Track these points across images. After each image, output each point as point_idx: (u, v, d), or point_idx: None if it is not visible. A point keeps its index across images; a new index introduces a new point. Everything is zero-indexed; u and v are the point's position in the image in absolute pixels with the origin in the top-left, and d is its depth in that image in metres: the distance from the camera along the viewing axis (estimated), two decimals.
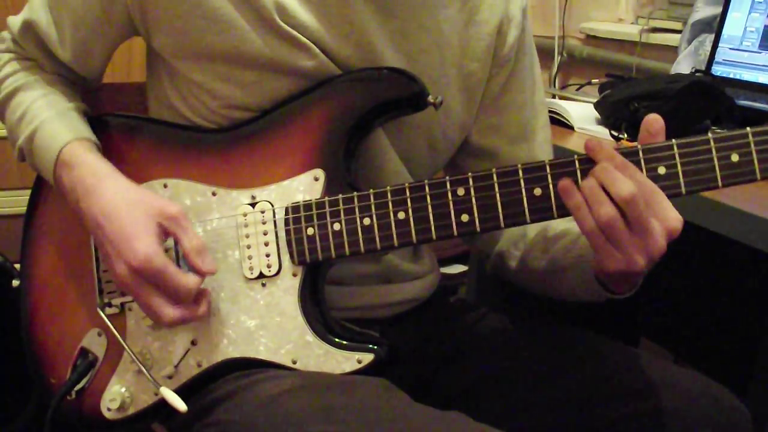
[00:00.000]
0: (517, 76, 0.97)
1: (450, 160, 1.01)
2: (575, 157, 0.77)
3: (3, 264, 1.29)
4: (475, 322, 1.01)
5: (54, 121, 0.88)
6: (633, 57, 1.99)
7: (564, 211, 0.77)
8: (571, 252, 0.88)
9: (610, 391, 0.87)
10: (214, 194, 0.87)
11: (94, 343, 0.90)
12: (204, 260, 0.81)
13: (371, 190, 0.82)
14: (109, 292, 0.89)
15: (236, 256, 0.85)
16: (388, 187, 0.81)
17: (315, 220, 0.83)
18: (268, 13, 0.83)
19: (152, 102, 0.96)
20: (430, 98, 0.84)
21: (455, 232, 0.80)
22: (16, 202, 1.74)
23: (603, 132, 1.36)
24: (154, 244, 0.79)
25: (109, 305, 0.89)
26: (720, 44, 1.53)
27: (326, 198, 0.83)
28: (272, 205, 0.85)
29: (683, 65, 1.69)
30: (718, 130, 1.18)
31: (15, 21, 0.94)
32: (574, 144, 1.34)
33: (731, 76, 1.50)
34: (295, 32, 0.84)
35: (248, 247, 0.85)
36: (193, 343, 0.86)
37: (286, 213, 0.84)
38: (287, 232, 0.84)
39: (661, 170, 0.74)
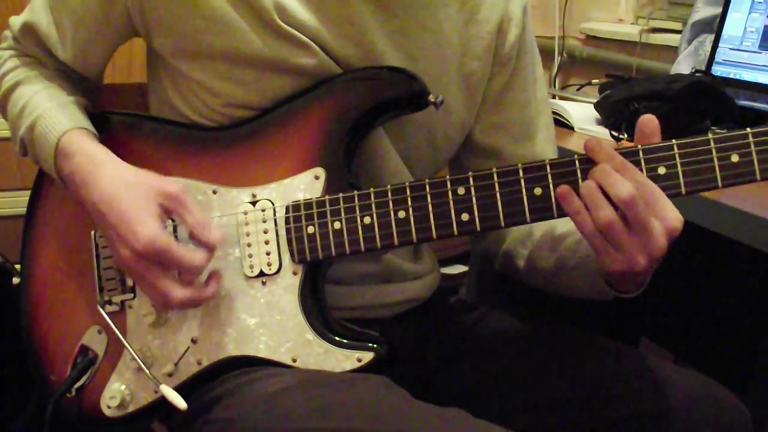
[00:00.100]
0: (519, 74, 0.98)
1: (454, 158, 1.01)
2: (575, 157, 0.77)
3: (3, 264, 1.29)
4: (475, 322, 1.01)
5: (53, 111, 0.88)
6: (633, 57, 1.99)
7: (564, 212, 0.77)
8: (578, 252, 0.88)
9: (610, 391, 0.87)
10: (214, 192, 0.87)
11: (94, 341, 0.90)
12: (209, 233, 0.80)
13: (372, 189, 0.82)
14: (109, 290, 0.89)
15: (237, 255, 0.85)
16: (389, 186, 0.81)
17: (315, 218, 0.83)
18: (268, 13, 0.83)
19: (153, 102, 0.96)
20: (431, 97, 0.84)
21: (455, 231, 0.80)
22: (16, 202, 1.74)
23: (603, 132, 1.36)
24: (155, 225, 0.79)
25: (110, 303, 0.89)
26: (720, 44, 1.53)
27: (327, 197, 0.83)
28: (273, 204, 0.85)
29: (683, 65, 1.69)
30: (718, 130, 1.18)
31: (16, 21, 0.95)
32: (575, 144, 1.35)
33: (731, 76, 1.50)
34: (294, 31, 0.84)
35: (249, 245, 0.85)
36: (194, 341, 0.86)
37: (287, 211, 0.84)
38: (288, 230, 0.84)
39: (661, 170, 0.75)
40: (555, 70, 2.23)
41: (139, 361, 0.86)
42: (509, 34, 0.95)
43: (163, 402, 0.85)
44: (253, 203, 0.85)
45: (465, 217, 0.80)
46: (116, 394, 0.87)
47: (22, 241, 0.96)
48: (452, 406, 0.79)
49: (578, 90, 1.88)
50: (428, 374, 0.97)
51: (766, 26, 1.46)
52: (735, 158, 0.73)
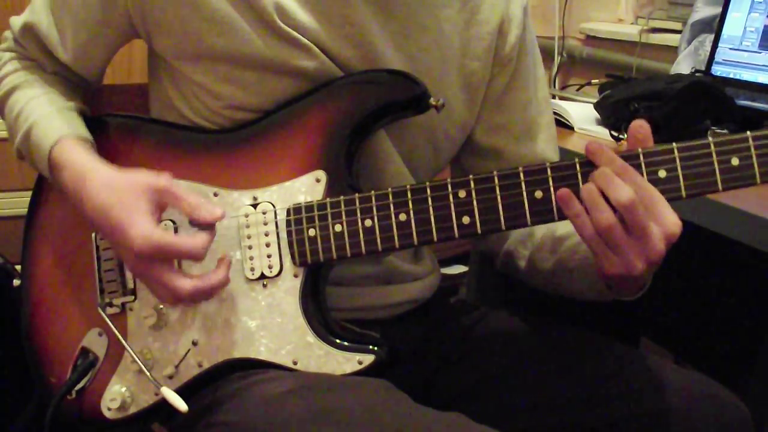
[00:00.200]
0: (520, 74, 0.98)
1: (455, 160, 1.01)
2: (576, 160, 0.77)
3: (3, 265, 1.29)
4: (475, 322, 1.01)
5: (46, 120, 0.88)
6: (633, 57, 1.99)
7: (564, 215, 0.77)
8: (577, 253, 0.88)
9: (610, 391, 0.87)
10: (215, 195, 0.87)
11: (95, 343, 0.90)
12: (207, 211, 0.79)
13: (373, 192, 0.82)
14: (110, 292, 0.89)
15: (237, 257, 0.85)
16: (390, 189, 0.82)
17: (316, 221, 0.83)
18: (269, 15, 0.83)
19: (153, 103, 0.96)
20: (432, 100, 0.84)
21: (456, 234, 0.80)
22: (17, 203, 1.74)
23: (603, 132, 1.36)
24: (147, 223, 0.78)
25: (110, 305, 0.89)
26: (720, 44, 1.53)
27: (328, 199, 0.83)
28: (274, 206, 0.85)
29: (683, 65, 1.69)
30: (718, 130, 1.18)
31: (16, 22, 0.95)
32: (575, 144, 1.35)
33: (731, 76, 1.50)
34: (295, 33, 0.84)
35: (250, 247, 0.85)
36: (194, 343, 0.86)
37: (288, 214, 0.84)
38: (289, 233, 0.84)
39: (662, 174, 0.75)
40: (555, 70, 2.23)
41: (140, 363, 0.86)
42: (510, 35, 0.95)
43: (163, 404, 0.85)
44: (254, 206, 0.85)
45: (466, 220, 0.80)
46: (117, 396, 0.87)
47: (23, 242, 0.96)
48: (452, 406, 0.79)
49: (578, 90, 1.88)
50: (428, 374, 0.97)
51: (766, 26, 1.46)
52: (735, 162, 0.73)
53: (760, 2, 1.48)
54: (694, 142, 0.74)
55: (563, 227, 0.92)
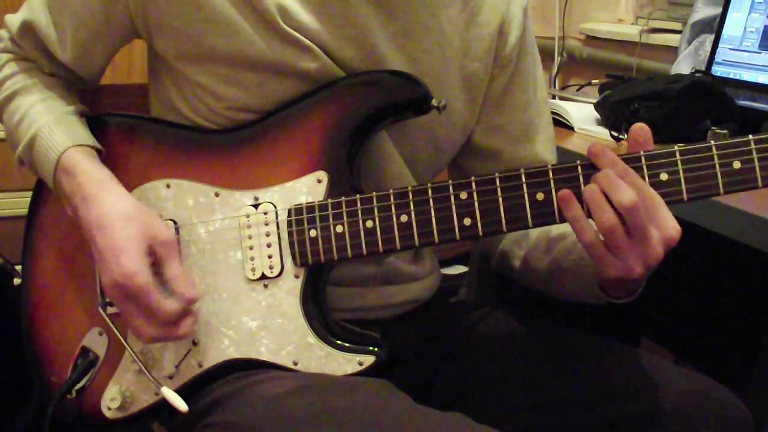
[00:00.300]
0: (520, 75, 0.98)
1: (453, 161, 1.01)
2: (578, 162, 0.77)
3: (3, 265, 1.29)
4: (476, 322, 1.01)
5: (52, 127, 0.88)
6: (633, 57, 1.99)
7: (564, 216, 0.77)
8: (571, 254, 0.88)
9: (610, 391, 0.87)
10: (217, 195, 0.87)
11: (95, 343, 0.90)
12: (190, 289, 0.81)
13: (374, 193, 0.82)
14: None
15: (238, 257, 0.85)
16: (391, 191, 0.82)
17: (317, 222, 0.83)
18: (271, 16, 0.83)
19: (154, 103, 0.96)
20: (434, 101, 0.84)
21: (458, 236, 0.80)
22: (17, 203, 1.74)
23: (603, 132, 1.36)
24: (140, 261, 0.79)
25: (111, 304, 0.89)
26: (720, 44, 1.53)
27: (329, 200, 0.83)
28: (275, 207, 0.85)
29: (683, 66, 1.69)
30: (719, 131, 1.18)
31: (13, 20, 0.94)
32: (575, 144, 1.35)
33: (731, 76, 1.50)
34: (297, 34, 0.84)
35: (251, 248, 0.85)
36: (195, 343, 0.86)
37: (289, 215, 0.84)
38: (290, 233, 0.84)
39: (664, 176, 0.75)
40: (555, 70, 2.23)
41: (140, 363, 0.86)
42: (510, 36, 0.95)
43: (163, 404, 0.85)
44: (256, 206, 0.85)
45: (467, 221, 0.80)
46: (117, 395, 0.87)
47: (23, 242, 0.96)
48: (453, 406, 0.79)
49: (578, 90, 1.88)
50: (429, 374, 0.97)
51: (766, 26, 1.46)
52: (737, 165, 0.74)
53: (760, 2, 1.48)
54: (695, 145, 0.75)
55: (558, 228, 0.92)
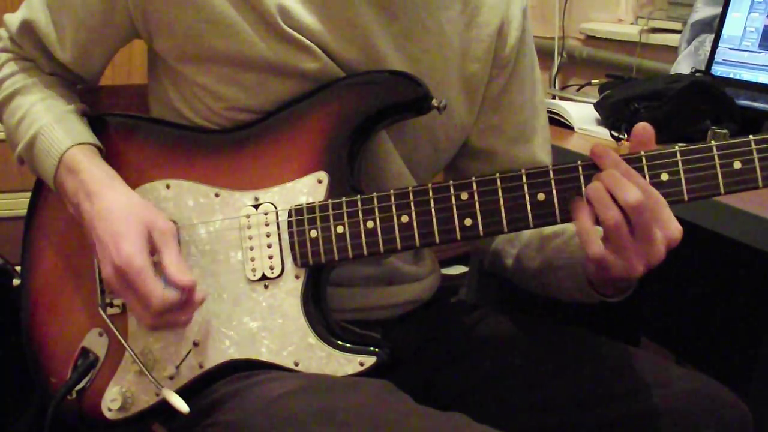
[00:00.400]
0: (518, 76, 0.98)
1: (449, 162, 1.01)
2: (579, 162, 0.77)
3: (3, 266, 1.29)
4: (476, 322, 1.01)
5: (53, 126, 0.88)
6: (633, 57, 1.99)
7: (567, 217, 0.77)
8: (563, 252, 0.89)
9: (610, 391, 0.87)
10: (217, 195, 0.87)
11: (96, 343, 0.90)
12: (183, 275, 0.80)
13: (375, 194, 0.82)
14: (110, 292, 0.89)
15: (239, 258, 0.85)
16: (392, 191, 0.82)
17: (318, 222, 0.83)
18: (271, 17, 0.83)
19: (154, 104, 0.96)
20: (434, 102, 0.84)
21: (458, 236, 0.80)
22: (17, 204, 1.74)
23: (603, 132, 1.36)
24: (138, 245, 0.80)
25: (111, 305, 0.89)
26: (720, 44, 1.53)
27: (329, 201, 0.83)
28: (275, 207, 0.85)
29: (683, 65, 1.69)
30: (719, 130, 1.18)
31: (13, 19, 0.94)
32: (574, 144, 1.35)
33: (731, 76, 1.50)
34: (298, 35, 0.84)
35: (251, 248, 0.85)
36: (195, 343, 0.86)
37: (290, 215, 0.84)
38: (290, 234, 0.84)
39: (664, 177, 0.75)
40: (555, 70, 2.23)
41: (140, 364, 0.86)
42: (509, 37, 0.95)
43: (164, 405, 0.85)
44: (256, 206, 0.85)
45: (468, 222, 0.80)
46: (117, 396, 0.87)
47: (23, 242, 0.96)
48: (453, 406, 0.79)
49: (578, 90, 1.88)
50: (429, 374, 0.97)
51: (765, 26, 1.46)
52: (737, 165, 0.73)
53: (760, 2, 1.48)
54: (696, 146, 0.75)
55: (550, 228, 0.92)
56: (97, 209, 0.82)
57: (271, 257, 0.84)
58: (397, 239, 0.81)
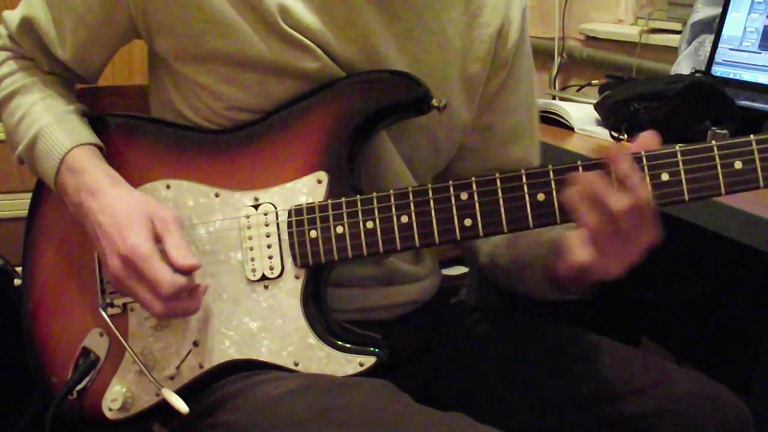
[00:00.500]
0: (513, 77, 0.98)
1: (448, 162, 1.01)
2: (579, 162, 0.77)
3: (4, 266, 1.29)
4: (476, 323, 1.01)
5: (54, 127, 0.88)
6: (633, 58, 1.99)
7: (567, 217, 0.77)
8: (533, 250, 0.89)
9: (610, 391, 0.88)
10: (217, 195, 0.87)
11: (96, 343, 0.90)
12: (187, 258, 0.80)
13: (374, 194, 0.82)
14: (111, 292, 0.90)
15: (239, 258, 0.85)
16: (392, 191, 0.82)
17: (318, 222, 0.83)
18: (272, 17, 0.83)
19: (154, 104, 0.96)
20: (434, 102, 0.84)
21: (458, 237, 0.80)
22: (17, 205, 1.74)
23: (603, 133, 1.36)
24: (143, 233, 0.80)
25: (111, 305, 0.89)
26: (720, 45, 1.53)
27: (329, 201, 0.83)
28: (275, 207, 0.85)
29: (683, 66, 1.69)
30: (719, 131, 1.18)
31: (12, 17, 0.93)
32: (575, 145, 1.35)
33: (731, 76, 1.50)
34: (298, 35, 0.84)
35: (251, 249, 0.85)
36: (195, 344, 0.86)
37: (289, 215, 0.84)
38: (290, 234, 0.84)
39: (665, 177, 0.74)
40: (555, 70, 2.23)
41: (141, 364, 0.86)
42: (509, 39, 0.95)
43: (164, 405, 0.85)
44: (256, 207, 0.85)
45: (468, 222, 0.80)
46: (118, 396, 0.87)
47: (24, 243, 0.96)
48: (453, 406, 0.79)
49: (578, 91, 1.88)
50: (429, 375, 0.97)
51: (765, 26, 1.46)
52: (738, 165, 0.73)
53: (760, 2, 1.48)
54: (697, 146, 0.74)
55: None
56: (101, 205, 0.83)
57: (270, 257, 0.84)
58: (397, 239, 0.81)
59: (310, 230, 0.83)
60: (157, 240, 0.82)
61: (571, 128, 1.43)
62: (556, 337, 0.96)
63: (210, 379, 0.85)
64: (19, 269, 0.99)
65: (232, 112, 0.87)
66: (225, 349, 0.85)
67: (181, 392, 0.85)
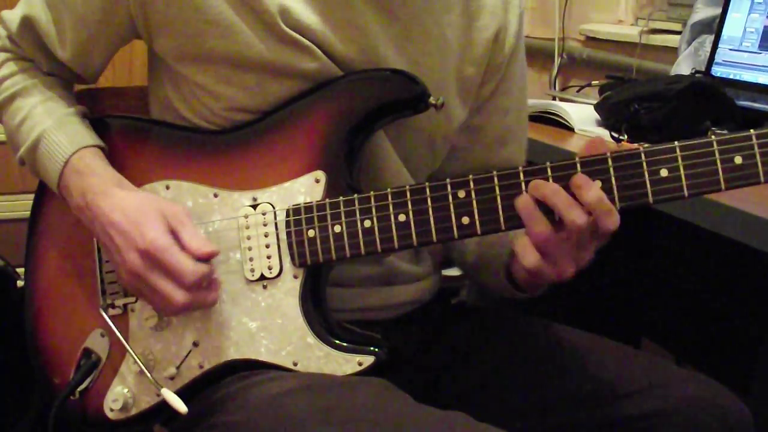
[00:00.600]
0: (507, 81, 0.98)
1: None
2: (576, 159, 0.77)
3: (5, 268, 1.30)
4: (476, 323, 1.01)
5: (56, 131, 0.88)
6: (633, 58, 1.99)
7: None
8: (493, 248, 0.91)
9: (610, 392, 0.88)
10: (215, 196, 0.87)
11: (98, 344, 0.90)
12: (206, 245, 0.81)
13: (372, 192, 0.82)
14: (112, 293, 0.90)
15: (237, 258, 0.85)
16: (389, 190, 0.82)
17: (316, 222, 0.83)
18: (271, 17, 0.83)
19: (154, 105, 0.96)
20: (431, 99, 0.84)
21: (456, 235, 0.80)
22: (17, 206, 1.74)
23: (603, 133, 1.36)
24: (161, 228, 0.81)
25: (112, 306, 0.89)
26: (720, 45, 1.53)
27: (327, 200, 0.83)
28: (273, 207, 0.85)
29: (683, 66, 1.69)
30: (719, 131, 1.18)
31: (11, 16, 0.93)
32: (575, 146, 1.35)
33: (731, 76, 1.50)
34: (297, 35, 0.84)
35: (249, 248, 0.85)
36: (195, 344, 0.86)
37: (287, 215, 0.84)
38: (288, 234, 0.84)
39: (664, 173, 0.74)
40: (555, 71, 2.23)
41: (141, 364, 0.86)
42: (505, 44, 0.96)
43: (165, 405, 0.85)
44: (254, 207, 0.85)
45: (465, 220, 0.80)
46: (119, 396, 0.88)
47: (26, 244, 0.96)
48: (454, 407, 0.79)
49: (578, 91, 1.88)
50: (429, 375, 0.97)
51: (765, 26, 1.46)
52: (738, 160, 0.73)
53: (760, 3, 1.48)
54: (696, 141, 0.74)
55: None
56: (111, 204, 0.83)
57: (269, 257, 0.84)
58: (395, 238, 0.81)
59: (308, 230, 0.83)
60: (172, 234, 0.82)
61: (571, 129, 1.44)
62: (557, 338, 0.96)
63: (210, 379, 0.85)
64: (19, 270, 0.99)
65: (231, 112, 0.87)
66: (225, 349, 0.85)
67: (181, 392, 0.85)
